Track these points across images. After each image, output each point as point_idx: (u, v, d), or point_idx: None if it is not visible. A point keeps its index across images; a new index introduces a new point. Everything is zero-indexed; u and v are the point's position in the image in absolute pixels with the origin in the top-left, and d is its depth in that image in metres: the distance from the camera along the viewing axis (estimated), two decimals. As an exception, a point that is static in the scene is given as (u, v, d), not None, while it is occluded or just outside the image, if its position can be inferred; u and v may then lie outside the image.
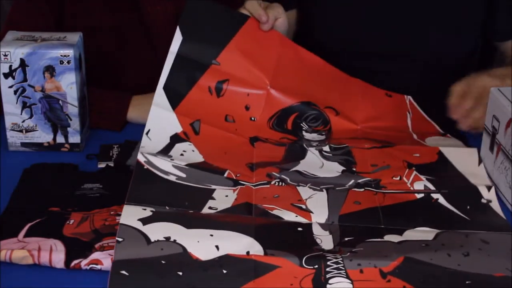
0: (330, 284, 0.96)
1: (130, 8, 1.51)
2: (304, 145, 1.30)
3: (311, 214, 1.12)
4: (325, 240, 1.06)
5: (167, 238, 1.02)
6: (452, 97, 1.29)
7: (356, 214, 1.13)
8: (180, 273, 0.96)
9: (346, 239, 1.06)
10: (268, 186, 1.19)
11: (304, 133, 1.36)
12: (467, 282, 0.98)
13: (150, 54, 1.52)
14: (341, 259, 1.00)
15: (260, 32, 1.36)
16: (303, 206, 1.13)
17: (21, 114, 1.28)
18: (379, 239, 1.06)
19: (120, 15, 1.50)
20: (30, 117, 1.28)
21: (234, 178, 1.20)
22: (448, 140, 1.36)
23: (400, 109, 1.42)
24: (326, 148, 1.30)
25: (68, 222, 1.08)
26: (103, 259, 1.00)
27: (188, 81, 1.31)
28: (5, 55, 1.24)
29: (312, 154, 1.28)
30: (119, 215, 1.07)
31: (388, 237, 1.07)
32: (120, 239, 1.01)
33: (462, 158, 1.27)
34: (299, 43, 1.41)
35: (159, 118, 1.27)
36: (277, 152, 1.29)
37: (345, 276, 0.97)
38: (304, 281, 0.97)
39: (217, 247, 1.01)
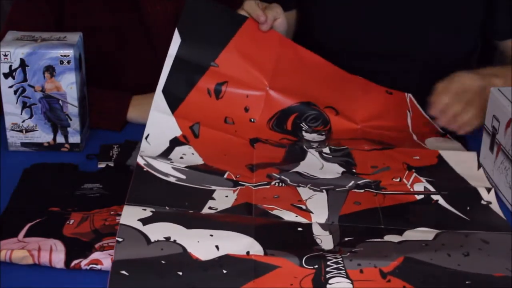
0: (330, 284, 0.96)
1: (130, 8, 1.51)
2: (304, 147, 1.30)
3: (311, 214, 1.12)
4: (325, 240, 1.06)
5: (167, 238, 1.02)
6: (433, 94, 1.30)
7: (356, 215, 1.13)
8: (180, 273, 0.96)
9: (346, 239, 1.07)
10: (268, 186, 1.19)
11: (304, 133, 1.36)
12: (467, 282, 0.98)
13: (150, 54, 1.52)
14: (341, 259, 1.00)
15: (259, 32, 1.35)
16: (303, 207, 1.13)
17: (21, 114, 1.28)
18: (379, 239, 1.07)
19: (120, 15, 1.50)
20: (30, 117, 1.28)
21: (234, 179, 1.20)
22: (448, 142, 1.36)
23: (401, 107, 1.42)
24: (326, 149, 1.30)
25: (68, 222, 1.08)
26: (103, 259, 1.00)
27: (187, 84, 1.31)
28: (5, 55, 1.24)
29: (312, 156, 1.28)
30: (119, 215, 1.07)
31: (388, 237, 1.07)
32: (120, 239, 1.01)
33: (462, 162, 1.28)
34: (298, 43, 1.41)
35: (158, 123, 1.27)
36: (277, 153, 1.29)
37: (345, 276, 0.97)
38: (304, 281, 0.97)
39: (217, 247, 1.01)
